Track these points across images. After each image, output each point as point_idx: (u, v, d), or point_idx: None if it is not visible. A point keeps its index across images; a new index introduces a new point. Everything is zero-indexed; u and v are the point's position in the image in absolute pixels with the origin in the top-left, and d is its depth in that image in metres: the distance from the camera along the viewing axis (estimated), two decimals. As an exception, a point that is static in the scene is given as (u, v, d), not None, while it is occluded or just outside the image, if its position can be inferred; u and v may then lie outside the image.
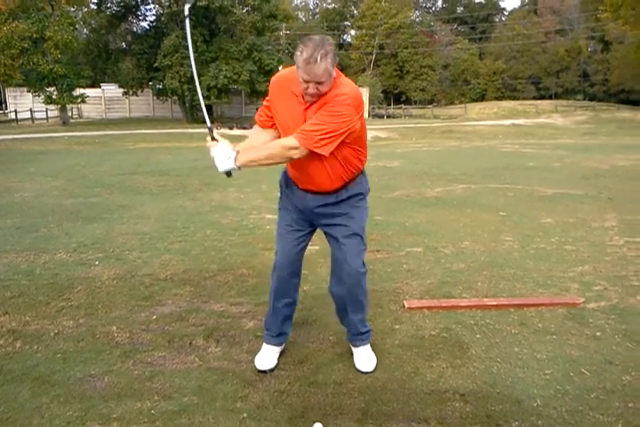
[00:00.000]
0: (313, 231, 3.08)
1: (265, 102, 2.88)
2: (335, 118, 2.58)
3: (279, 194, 3.10)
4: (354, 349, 3.20)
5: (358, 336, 3.18)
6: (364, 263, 3.01)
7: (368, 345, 3.21)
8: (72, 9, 34.33)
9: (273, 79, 2.83)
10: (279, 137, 2.86)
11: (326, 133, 2.58)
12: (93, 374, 3.02)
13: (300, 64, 2.50)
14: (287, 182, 3.01)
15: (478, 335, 3.51)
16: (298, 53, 2.50)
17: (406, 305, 3.95)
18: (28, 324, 3.67)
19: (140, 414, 2.65)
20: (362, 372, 3.04)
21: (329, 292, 3.18)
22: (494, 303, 3.97)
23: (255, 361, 3.09)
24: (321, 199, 2.89)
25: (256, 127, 3.00)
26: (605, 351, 3.29)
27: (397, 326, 3.64)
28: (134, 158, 14.68)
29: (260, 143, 2.88)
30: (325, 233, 3.04)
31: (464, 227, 6.38)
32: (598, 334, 3.53)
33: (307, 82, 2.52)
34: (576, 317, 3.79)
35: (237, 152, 2.68)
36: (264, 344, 3.20)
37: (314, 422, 2.55)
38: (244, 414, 2.65)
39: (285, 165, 2.97)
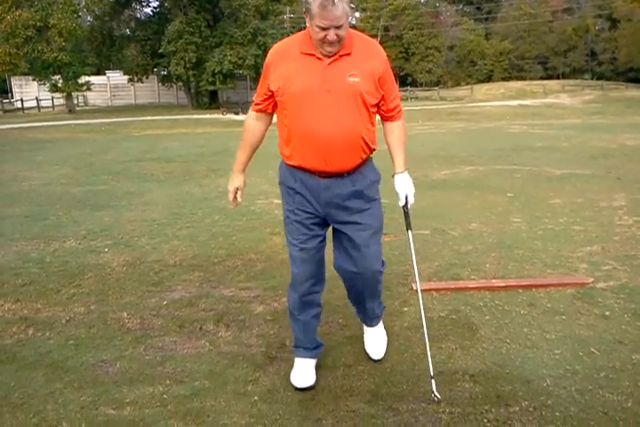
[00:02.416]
0: (327, 230, 2.79)
1: (264, 82, 2.61)
2: (393, 77, 2.65)
3: (282, 196, 2.78)
4: (366, 328, 3.10)
5: (374, 319, 3.09)
6: (383, 261, 2.89)
7: (381, 323, 3.14)
8: (75, -4, 34.20)
9: (271, 53, 2.60)
10: (268, 123, 2.75)
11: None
12: (106, 359, 3.05)
13: (315, 10, 2.31)
14: (293, 174, 2.66)
15: (487, 317, 3.51)
16: (310, 0, 2.32)
17: (414, 287, 3.95)
18: (40, 311, 3.71)
19: (153, 398, 2.67)
20: (372, 359, 2.98)
21: (344, 284, 2.97)
22: (503, 284, 3.97)
23: (291, 379, 2.77)
24: (338, 188, 2.60)
25: (249, 122, 2.77)
26: (615, 331, 3.29)
27: (406, 309, 3.65)
28: (140, 145, 14.69)
29: (254, 141, 2.79)
30: (339, 231, 2.73)
31: (472, 209, 6.36)
32: (607, 313, 3.53)
33: (325, 29, 2.33)
34: (585, 297, 3.79)
35: (402, 170, 2.73)
36: (297, 359, 2.87)
37: (324, 404, 2.57)
38: (255, 398, 2.67)
39: (284, 157, 2.69)
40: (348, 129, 2.51)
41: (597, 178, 8.28)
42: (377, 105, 2.59)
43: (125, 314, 3.63)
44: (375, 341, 3.07)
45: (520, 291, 3.91)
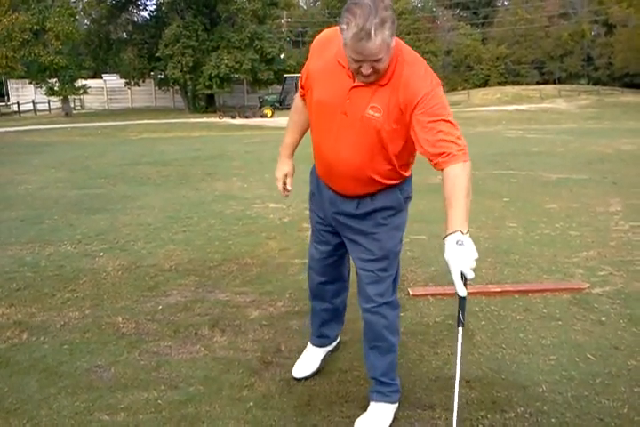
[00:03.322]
0: (343, 243, 2.54)
1: (306, 66, 2.33)
2: (443, 111, 2.05)
3: (309, 194, 2.66)
4: (370, 403, 2.54)
5: (378, 387, 2.54)
6: (389, 293, 2.46)
7: (389, 405, 2.53)
8: (72, -1, 34.25)
9: (316, 40, 2.28)
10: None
11: (456, 129, 2.06)
12: (100, 364, 3.04)
13: (348, 40, 1.91)
14: (313, 175, 2.53)
15: (483, 322, 3.51)
16: (344, 26, 1.90)
17: (411, 292, 3.95)
18: (35, 316, 3.69)
19: (147, 404, 2.66)
20: None
21: None
22: (499, 290, 3.97)
23: (294, 368, 2.86)
24: (341, 205, 2.38)
25: (296, 102, 2.53)
26: (611, 336, 3.28)
27: (402, 314, 3.61)
28: (137, 149, 14.67)
29: (303, 120, 2.49)
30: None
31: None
32: (603, 319, 3.53)
33: (358, 62, 1.96)
34: (581, 302, 3.79)
35: (452, 231, 2.04)
36: (308, 344, 2.99)
37: (320, 409, 2.56)
38: (251, 403, 2.66)
39: (314, 160, 2.47)
40: (352, 161, 2.20)
41: (593, 183, 8.30)
42: (414, 145, 2.13)
43: (120, 319, 3.62)
44: (374, 417, 2.47)
45: (516, 296, 3.91)
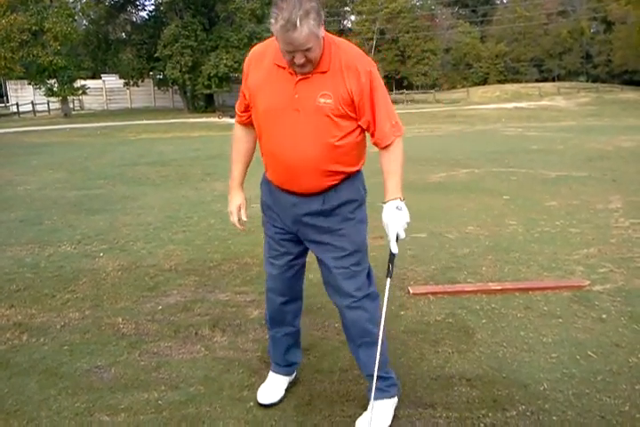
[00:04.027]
0: (305, 252, 2.56)
1: (242, 90, 2.39)
2: (383, 92, 2.22)
3: (261, 212, 2.60)
4: (370, 402, 2.43)
5: (376, 384, 2.39)
6: (366, 286, 2.47)
7: (390, 401, 2.53)
8: (70, 0, 34.19)
9: (248, 57, 2.34)
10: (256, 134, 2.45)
11: (394, 110, 2.26)
12: (100, 365, 3.03)
13: (277, 34, 2.02)
14: (268, 187, 2.49)
15: (484, 320, 3.50)
16: (272, 21, 2.00)
17: (411, 291, 3.94)
18: (34, 317, 3.69)
19: (148, 404, 2.65)
20: None
21: None
22: (499, 288, 3.96)
23: (258, 393, 2.66)
24: (306, 205, 2.36)
25: (237, 132, 2.59)
26: (611, 334, 3.28)
27: (402, 313, 3.64)
28: (136, 149, 14.67)
29: (247, 150, 2.57)
30: (311, 250, 2.52)
31: (468, 211, 6.36)
32: (604, 316, 3.52)
33: (291, 52, 2.06)
34: (582, 299, 3.78)
35: (391, 198, 2.25)
36: (270, 373, 2.78)
37: (320, 409, 2.55)
38: (251, 403, 2.65)
39: (265, 167, 2.48)
40: (312, 155, 2.23)
41: (593, 180, 8.29)
42: (361, 127, 2.27)
43: (120, 319, 3.61)
44: (373, 416, 2.41)
45: (516, 294, 3.90)
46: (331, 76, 2.16)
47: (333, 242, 2.40)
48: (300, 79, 2.17)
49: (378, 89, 2.21)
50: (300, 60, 2.07)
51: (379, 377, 2.42)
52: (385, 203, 2.25)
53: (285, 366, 2.77)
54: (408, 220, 2.23)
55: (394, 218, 2.22)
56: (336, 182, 2.33)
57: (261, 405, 2.63)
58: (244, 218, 2.65)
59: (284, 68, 2.19)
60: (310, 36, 2.01)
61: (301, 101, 2.18)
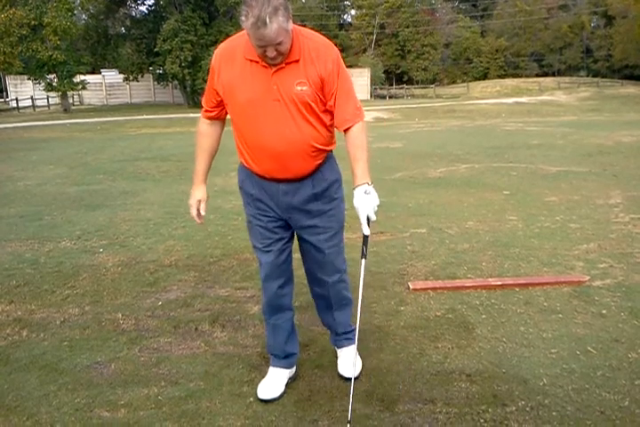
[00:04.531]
0: (292, 232, 2.69)
1: (210, 86, 2.49)
2: (347, 77, 2.40)
3: (243, 200, 2.71)
4: (339, 351, 2.95)
5: (345, 335, 2.90)
6: (344, 259, 2.75)
7: (354, 346, 2.77)
8: (69, -6, 34.06)
9: (215, 54, 2.45)
10: (222, 127, 2.69)
11: (355, 95, 2.45)
12: (100, 361, 3.04)
13: (248, 30, 2.14)
14: (251, 179, 2.59)
15: (483, 315, 3.50)
16: (243, 18, 2.12)
17: (411, 286, 3.94)
18: (34, 312, 3.69)
19: (147, 400, 2.66)
20: (345, 378, 2.75)
21: (310, 292, 2.92)
22: (499, 283, 3.96)
23: (258, 389, 2.70)
24: (296, 190, 2.51)
25: (202, 127, 2.71)
26: (611, 329, 3.28)
27: (402, 308, 3.64)
28: (136, 144, 14.66)
29: (210, 146, 2.71)
30: (300, 236, 2.68)
31: (468, 207, 6.36)
32: (604, 311, 3.52)
33: (262, 47, 2.18)
34: (581, 295, 3.78)
35: (361, 183, 2.36)
36: (270, 368, 2.83)
37: (320, 405, 2.55)
38: (251, 399, 2.65)
39: (242, 161, 2.60)
40: (297, 137, 2.39)
41: (593, 175, 8.29)
42: (328, 110, 2.44)
43: (120, 315, 3.61)
44: (349, 359, 2.82)
45: (516, 289, 3.90)
46: (303, 65, 2.31)
47: (323, 224, 2.59)
48: (275, 71, 2.30)
49: (342, 74, 2.38)
50: (271, 53, 2.21)
51: (348, 331, 2.89)
52: (355, 188, 2.38)
53: (285, 358, 2.81)
54: (377, 202, 2.37)
55: (363, 202, 2.35)
56: (320, 162, 2.51)
57: (262, 400, 2.64)
58: (202, 212, 2.76)
59: (256, 61, 2.31)
60: (280, 31, 2.13)
61: (280, 91, 2.32)
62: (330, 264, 2.68)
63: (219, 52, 2.45)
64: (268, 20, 2.08)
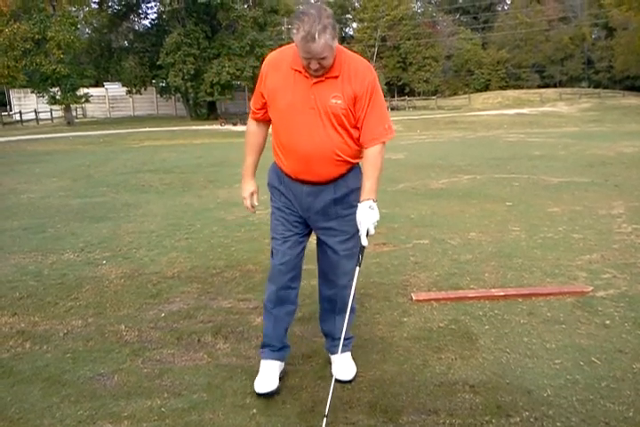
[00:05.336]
0: (310, 231, 2.90)
1: (258, 90, 2.73)
2: (381, 99, 2.62)
3: (270, 194, 2.90)
4: (333, 357, 2.98)
5: (342, 342, 2.79)
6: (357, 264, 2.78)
7: (349, 353, 3.03)
8: (73, 9, 34.39)
9: (265, 62, 2.70)
10: (267, 127, 2.85)
11: (388, 115, 2.68)
12: (103, 372, 3.03)
13: (298, 42, 2.38)
14: (280, 178, 2.81)
15: (487, 326, 3.50)
16: (294, 31, 2.37)
17: (414, 297, 3.94)
18: (37, 324, 3.69)
19: (151, 411, 2.65)
20: (341, 381, 2.81)
21: (318, 295, 3.05)
22: (502, 294, 3.96)
23: (255, 384, 2.80)
24: (318, 193, 2.72)
25: (251, 127, 2.90)
26: (615, 340, 3.27)
27: (405, 319, 3.63)
28: (139, 157, 14.71)
29: (258, 144, 2.89)
30: (317, 237, 2.86)
31: (470, 218, 6.36)
32: (608, 322, 3.51)
33: (307, 59, 2.42)
34: (585, 305, 3.77)
35: (366, 198, 2.57)
36: (263, 361, 2.92)
37: (323, 416, 2.55)
38: (254, 410, 2.65)
39: (275, 160, 2.82)
40: (325, 145, 2.60)
41: (595, 186, 8.29)
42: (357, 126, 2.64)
43: (123, 327, 3.61)
44: (344, 364, 2.95)
45: (519, 300, 3.90)
46: (341, 81, 2.53)
47: (339, 227, 2.77)
48: (315, 82, 2.53)
49: (376, 95, 2.59)
50: (314, 66, 2.44)
51: (346, 338, 2.88)
52: (360, 202, 2.60)
53: (279, 351, 2.93)
54: (378, 218, 2.58)
55: (366, 216, 2.56)
56: (344, 171, 2.71)
57: (260, 394, 2.74)
58: (255, 203, 2.98)
59: (300, 71, 2.54)
60: (326, 47, 2.37)
61: (316, 101, 2.55)
62: (342, 267, 2.83)
63: (268, 59, 2.71)
64: (317, 36, 2.32)
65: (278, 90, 2.61)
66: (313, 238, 2.94)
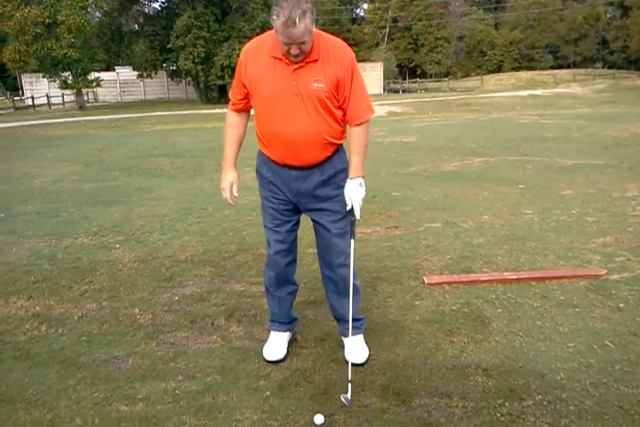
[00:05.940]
0: (300, 215, 2.96)
1: (238, 80, 2.72)
2: (360, 77, 2.66)
3: (259, 185, 2.94)
4: (345, 340, 3.02)
5: (353, 323, 2.88)
6: (349, 243, 2.86)
7: (361, 335, 3.04)
8: (83, -8, 34.19)
9: (243, 51, 2.71)
10: (248, 118, 2.89)
11: (368, 93, 2.74)
12: (118, 355, 3.07)
13: (278, 28, 2.39)
14: (267, 164, 2.84)
15: (499, 310, 3.49)
16: (274, 17, 2.38)
17: (426, 281, 3.94)
18: (53, 308, 3.73)
19: (165, 394, 2.68)
20: (353, 364, 2.80)
21: (321, 278, 3.07)
22: (515, 277, 3.95)
23: (264, 352, 2.99)
24: (306, 177, 2.75)
25: (230, 119, 2.90)
26: (629, 323, 3.26)
27: (417, 302, 3.64)
28: (150, 141, 14.71)
29: (238, 135, 2.90)
30: (311, 218, 2.91)
31: (483, 201, 6.33)
32: (621, 305, 3.50)
33: (288, 44, 2.44)
34: (598, 289, 3.76)
35: (354, 176, 2.71)
36: (272, 333, 3.09)
37: (336, 398, 2.56)
38: (268, 393, 2.67)
39: (260, 148, 2.84)
40: (311, 129, 2.64)
41: (610, 168, 8.21)
42: (341, 107, 2.68)
43: (137, 310, 3.64)
44: (356, 347, 2.98)
45: (532, 283, 3.89)
46: (321, 64, 2.56)
47: (331, 207, 2.83)
48: (295, 68, 2.55)
49: (356, 75, 2.64)
50: (295, 51, 2.46)
51: (356, 319, 2.96)
52: (350, 179, 2.73)
53: (289, 324, 3.11)
54: (364, 195, 2.75)
55: (357, 192, 2.72)
56: (330, 153, 2.76)
57: (269, 362, 2.93)
58: (235, 194, 2.97)
59: (280, 59, 2.56)
60: (306, 31, 2.40)
61: (299, 87, 2.57)
62: (336, 245, 2.87)
63: (246, 48, 2.71)
64: (297, 21, 2.34)
65: (260, 78, 2.62)
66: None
